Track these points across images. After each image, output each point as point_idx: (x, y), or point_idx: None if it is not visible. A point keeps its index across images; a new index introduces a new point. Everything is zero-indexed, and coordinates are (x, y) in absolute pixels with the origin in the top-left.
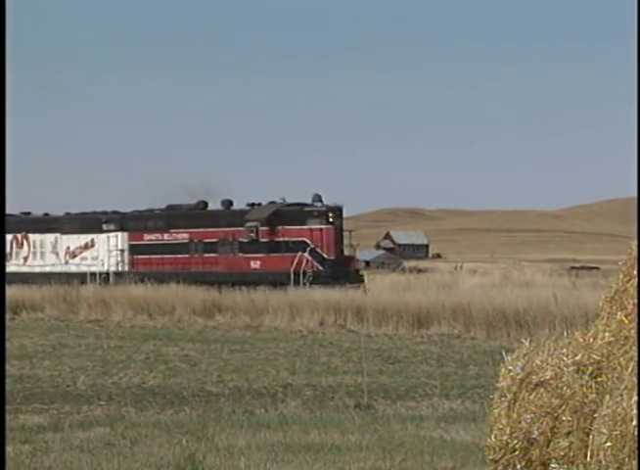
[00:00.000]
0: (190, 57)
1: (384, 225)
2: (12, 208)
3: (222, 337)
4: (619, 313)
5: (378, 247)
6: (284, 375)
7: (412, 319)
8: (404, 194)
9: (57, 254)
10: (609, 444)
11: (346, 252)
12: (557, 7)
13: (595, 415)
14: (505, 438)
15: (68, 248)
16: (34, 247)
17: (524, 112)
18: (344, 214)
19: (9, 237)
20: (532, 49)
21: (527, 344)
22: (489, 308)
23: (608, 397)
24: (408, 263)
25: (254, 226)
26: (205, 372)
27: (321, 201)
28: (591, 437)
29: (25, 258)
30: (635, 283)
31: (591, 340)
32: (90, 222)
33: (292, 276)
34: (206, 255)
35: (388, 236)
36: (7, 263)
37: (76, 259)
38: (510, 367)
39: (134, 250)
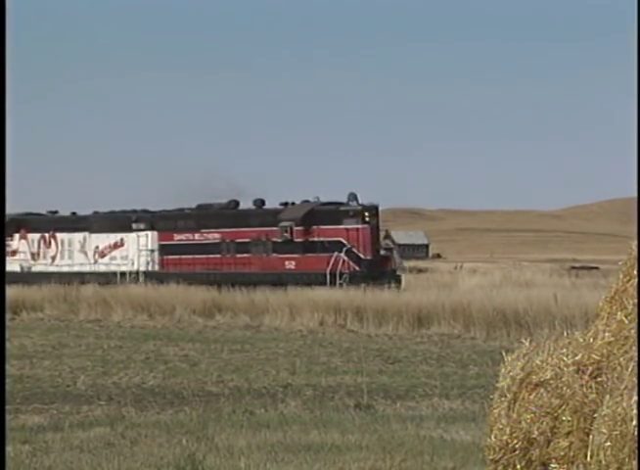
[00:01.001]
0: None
1: (384, 225)
2: (38, 207)
3: (222, 337)
4: (619, 313)
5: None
6: (284, 375)
7: (412, 319)
8: (404, 194)
9: (85, 253)
10: (609, 443)
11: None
12: (558, 7)
13: (595, 415)
14: (505, 438)
15: (97, 247)
16: (62, 246)
17: (524, 112)
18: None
19: (36, 236)
20: (532, 49)
21: (527, 344)
22: (489, 308)
23: (608, 397)
24: (408, 263)
25: (289, 226)
26: (205, 372)
27: (357, 200)
28: (591, 437)
29: (53, 258)
30: (635, 283)
31: (591, 340)
32: (120, 221)
33: (328, 277)
34: (239, 255)
35: (387, 236)
36: (34, 263)
37: (105, 259)
38: (510, 367)
39: (164, 250)
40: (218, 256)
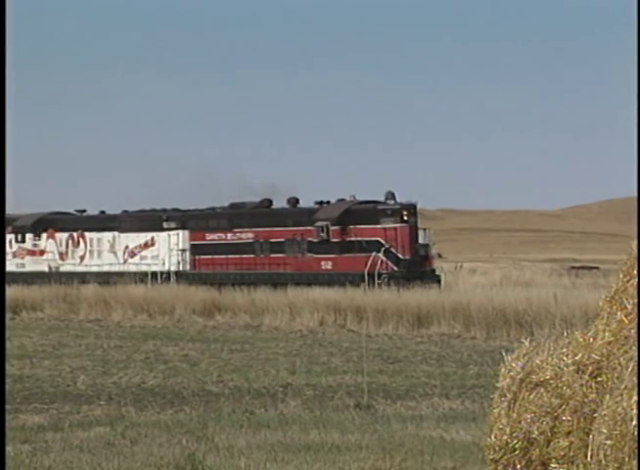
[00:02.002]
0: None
1: None
2: (63, 206)
3: (222, 337)
4: (619, 313)
5: None
6: (284, 375)
7: (412, 319)
8: (404, 194)
9: (115, 253)
10: (609, 443)
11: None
12: (561, 6)
13: (595, 415)
14: (505, 438)
15: (127, 246)
16: (91, 246)
17: (523, 111)
18: None
19: (64, 235)
20: (531, 50)
21: (527, 344)
22: (489, 308)
23: (608, 396)
24: None
25: (325, 225)
26: (205, 372)
27: (394, 198)
28: (591, 436)
29: (82, 257)
30: (635, 283)
31: (591, 340)
32: (150, 220)
33: (366, 277)
34: (273, 255)
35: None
36: (62, 262)
37: (136, 259)
38: (510, 367)
39: (196, 249)
40: (252, 255)
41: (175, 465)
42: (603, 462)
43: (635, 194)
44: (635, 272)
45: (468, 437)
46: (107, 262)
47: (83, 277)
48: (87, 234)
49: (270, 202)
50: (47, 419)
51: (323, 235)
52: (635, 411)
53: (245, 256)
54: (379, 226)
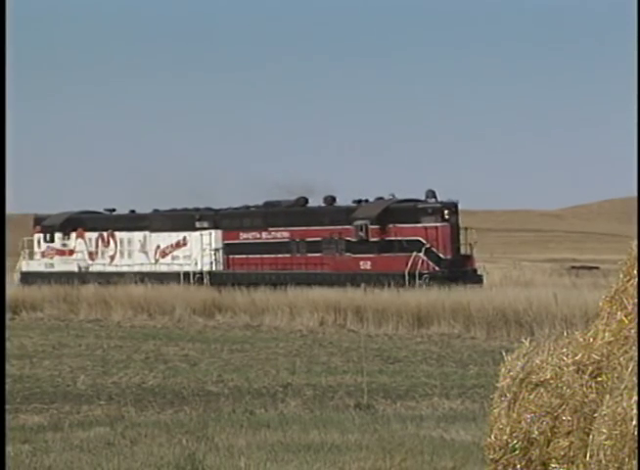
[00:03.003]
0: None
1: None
2: (93, 205)
3: (222, 337)
4: (619, 313)
5: None
6: (284, 375)
7: (412, 319)
8: (404, 194)
9: (146, 252)
10: (609, 443)
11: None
12: (563, 6)
13: (595, 415)
14: (505, 437)
15: (159, 246)
16: (122, 245)
17: (524, 111)
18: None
19: (94, 235)
20: (532, 49)
21: (527, 343)
22: (489, 308)
23: (608, 396)
24: None
25: (364, 224)
26: (204, 372)
27: (435, 197)
28: (591, 436)
29: (112, 257)
30: (635, 283)
31: (591, 340)
32: (182, 220)
33: (407, 277)
34: (310, 254)
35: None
36: (92, 262)
37: (167, 259)
38: (510, 367)
39: (229, 249)
40: (287, 255)
41: (175, 465)
42: (603, 462)
43: (635, 194)
44: (635, 272)
45: (468, 437)
46: (138, 262)
47: (113, 277)
48: (117, 234)
49: (306, 200)
50: (47, 419)
51: (362, 234)
52: (635, 411)
53: (280, 255)
54: (419, 225)
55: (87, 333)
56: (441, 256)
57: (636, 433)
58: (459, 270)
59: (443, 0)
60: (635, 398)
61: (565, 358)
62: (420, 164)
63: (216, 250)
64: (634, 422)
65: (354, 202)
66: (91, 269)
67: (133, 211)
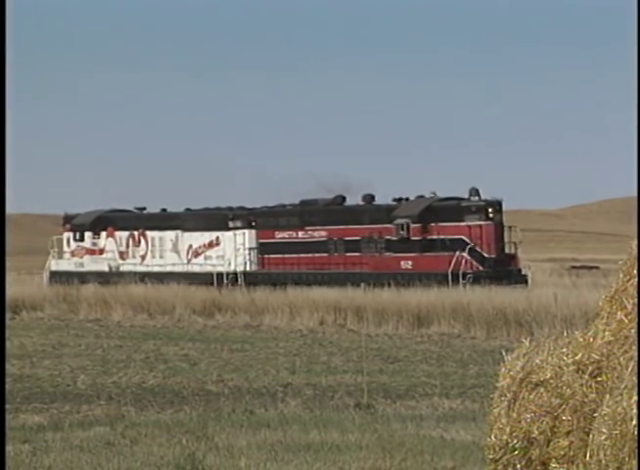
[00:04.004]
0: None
1: None
2: (123, 204)
3: (222, 336)
4: (619, 313)
5: None
6: (284, 374)
7: (412, 319)
8: (404, 194)
9: (178, 252)
10: (608, 443)
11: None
12: (565, 7)
13: (595, 415)
14: (505, 437)
15: (191, 246)
16: (153, 245)
17: (524, 111)
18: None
19: (124, 234)
20: (530, 49)
21: (527, 343)
22: (489, 308)
23: (608, 396)
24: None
25: (405, 223)
26: (204, 372)
27: (478, 194)
28: (591, 436)
29: (143, 257)
30: (635, 283)
31: (591, 339)
32: (215, 219)
33: (450, 277)
34: (349, 254)
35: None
36: (122, 262)
37: (200, 259)
38: (510, 367)
39: (264, 248)
40: (325, 255)
41: (175, 465)
42: (603, 462)
43: (635, 194)
44: (635, 272)
45: (468, 436)
46: (169, 262)
47: (145, 277)
48: (148, 233)
49: (343, 198)
50: (47, 419)
51: (403, 233)
52: (635, 411)
53: (317, 255)
54: (463, 224)
55: (87, 333)
56: (485, 255)
57: (636, 433)
58: (503, 270)
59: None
60: (635, 397)
61: (565, 358)
62: (418, 164)
63: (250, 249)
64: (634, 422)
65: (394, 200)
66: (122, 269)
67: (164, 210)
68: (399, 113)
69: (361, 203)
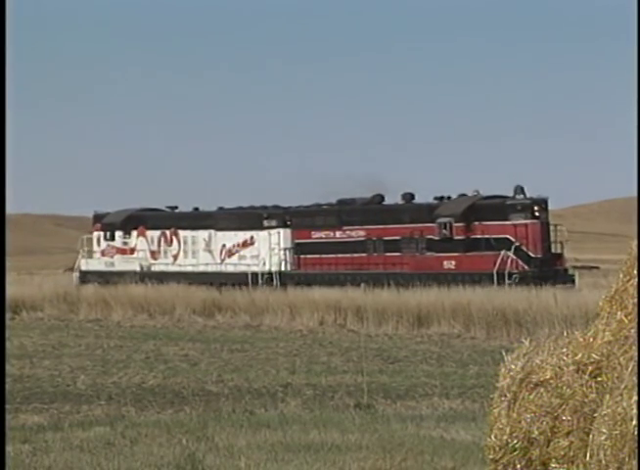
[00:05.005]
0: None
1: None
2: (155, 202)
3: (222, 336)
4: (619, 313)
5: None
6: (284, 375)
7: (412, 319)
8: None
9: (211, 252)
10: (609, 443)
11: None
12: (566, 7)
13: (595, 415)
14: (505, 437)
15: (224, 246)
16: (185, 244)
17: (524, 111)
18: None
19: (156, 233)
20: (535, 49)
21: (527, 343)
22: (489, 308)
23: (608, 396)
24: None
25: (447, 222)
26: (204, 372)
27: (524, 193)
28: (591, 436)
29: (175, 257)
30: (635, 283)
31: (591, 340)
32: (249, 218)
33: (495, 277)
34: (388, 254)
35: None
36: (154, 261)
37: (234, 258)
38: (510, 367)
39: (300, 248)
40: (364, 254)
41: (175, 465)
42: (603, 462)
43: (635, 194)
44: (635, 272)
45: (468, 437)
46: (202, 262)
47: (179, 277)
48: (181, 232)
49: (382, 197)
50: (47, 419)
51: (445, 232)
52: (635, 411)
53: (356, 255)
54: (508, 223)
55: (87, 333)
56: (531, 254)
57: (636, 433)
58: (550, 270)
59: None
60: (635, 398)
61: (565, 358)
62: (419, 165)
63: (286, 249)
64: (634, 422)
65: (436, 198)
66: (153, 269)
67: (197, 209)
68: (415, 112)
69: (400, 202)
